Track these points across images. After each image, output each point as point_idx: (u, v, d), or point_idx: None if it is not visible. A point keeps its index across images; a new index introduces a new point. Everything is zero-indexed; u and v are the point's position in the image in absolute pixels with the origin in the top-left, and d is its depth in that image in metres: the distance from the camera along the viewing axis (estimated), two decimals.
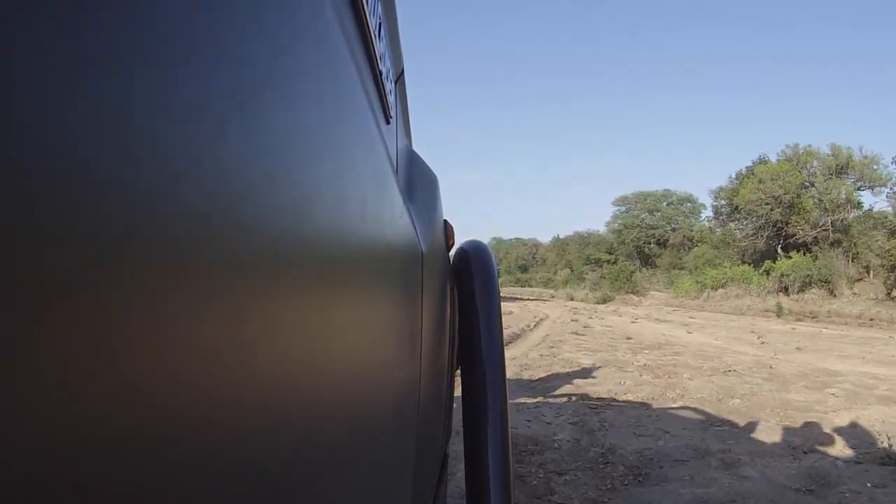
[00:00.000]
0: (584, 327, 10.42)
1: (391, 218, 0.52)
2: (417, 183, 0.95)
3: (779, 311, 15.68)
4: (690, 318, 14.47)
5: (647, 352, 6.89)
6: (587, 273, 31.84)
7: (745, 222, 24.66)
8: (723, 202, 26.49)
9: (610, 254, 34.04)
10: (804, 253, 20.24)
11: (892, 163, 19.64)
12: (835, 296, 17.20)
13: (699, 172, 57.40)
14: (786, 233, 22.65)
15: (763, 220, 23.17)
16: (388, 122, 0.62)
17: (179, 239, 0.14)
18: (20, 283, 0.09)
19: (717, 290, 21.50)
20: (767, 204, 22.64)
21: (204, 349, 0.15)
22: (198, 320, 0.15)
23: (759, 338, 8.97)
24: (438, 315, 0.92)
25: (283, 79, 0.22)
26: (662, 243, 32.87)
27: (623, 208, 35.89)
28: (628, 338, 8.57)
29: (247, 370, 0.18)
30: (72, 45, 0.11)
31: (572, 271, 34.75)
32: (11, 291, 0.09)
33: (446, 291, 1.05)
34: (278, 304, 0.21)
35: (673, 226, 33.50)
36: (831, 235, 20.96)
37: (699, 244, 28.48)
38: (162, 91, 0.13)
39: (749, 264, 22.46)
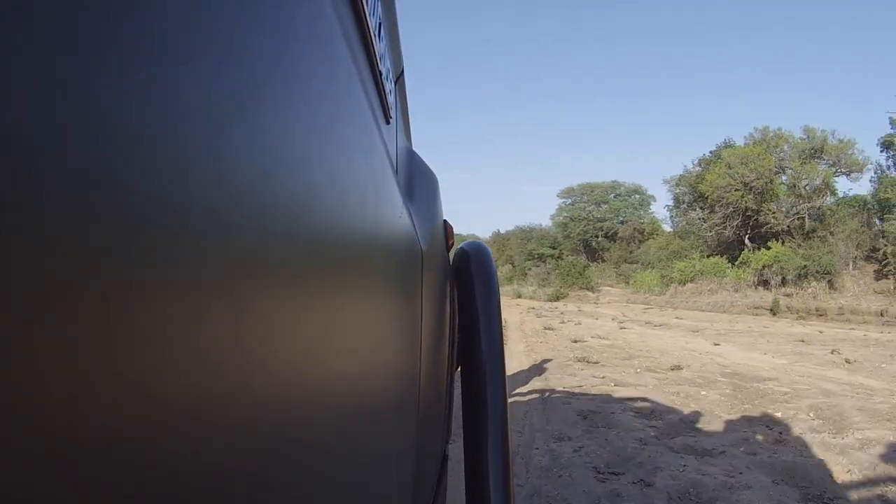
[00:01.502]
0: (575, 342, 7.64)
1: (391, 217, 0.52)
2: (417, 183, 0.95)
3: (775, 309, 13.91)
4: (678, 318, 12.55)
5: (778, 414, 3.75)
6: (530, 268, 30.26)
7: (708, 211, 22.22)
8: (684, 189, 24.16)
9: (554, 248, 31.87)
10: (783, 242, 18.27)
11: (878, 145, 17.89)
12: (835, 289, 15.10)
13: (647, 166, 54.92)
14: (756, 221, 20.52)
15: (731, 209, 20.90)
16: (387, 123, 0.62)
17: (179, 238, 0.14)
18: (20, 283, 0.09)
19: (684, 284, 19.36)
20: (738, 190, 20.41)
21: (202, 349, 0.15)
22: (197, 319, 0.15)
23: (832, 352, 6.61)
24: (438, 314, 0.92)
25: (283, 79, 0.22)
26: (611, 236, 30.81)
27: (569, 200, 33.51)
28: (675, 367, 5.58)
29: (246, 370, 0.18)
30: (71, 44, 0.11)
31: (514, 267, 32.95)
32: (11, 291, 0.09)
33: (446, 291, 1.05)
34: (278, 303, 0.21)
35: (621, 218, 31.40)
36: (807, 224, 18.97)
37: (652, 237, 26.66)
38: (161, 91, 0.13)
39: (719, 256, 20.50)
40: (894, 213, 15.08)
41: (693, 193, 23.58)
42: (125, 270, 0.12)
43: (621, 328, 10.23)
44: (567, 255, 29.53)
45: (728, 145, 22.46)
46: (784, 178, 20.45)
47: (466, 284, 1.02)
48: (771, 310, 14.13)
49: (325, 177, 0.28)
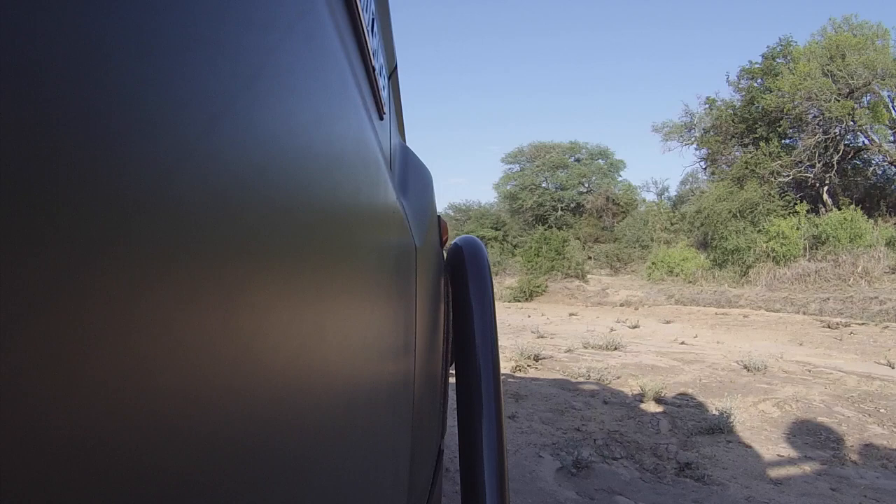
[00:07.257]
0: None
1: (385, 213, 0.52)
2: (411, 178, 0.95)
3: None
4: None
5: None
6: None
7: (776, 141, 13.19)
8: (729, 112, 15.40)
9: (497, 229, 24.44)
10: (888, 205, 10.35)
11: None
12: None
13: (609, 129, 43.11)
14: (851, 158, 11.94)
15: (826, 134, 11.94)
16: (381, 118, 0.62)
17: (170, 235, 0.14)
18: (16, 281, 0.09)
19: (783, 264, 10.90)
20: (838, 100, 11.47)
21: (195, 346, 0.15)
22: (189, 317, 0.15)
23: None
24: (432, 310, 0.92)
25: (276, 74, 0.22)
26: (574, 210, 24.25)
27: (516, 166, 26.02)
28: None
29: (240, 366, 0.18)
30: (63, 40, 0.10)
31: None
32: (8, 290, 0.09)
33: (440, 287, 1.06)
34: (271, 300, 0.21)
35: (586, 187, 24.64)
36: None
37: (631, 209, 20.79)
38: (152, 87, 0.13)
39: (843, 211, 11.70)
40: None
41: (741, 118, 14.62)
42: (115, 266, 0.12)
43: None
44: (514, 237, 23.47)
45: (786, 44, 14.14)
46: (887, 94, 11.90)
47: (460, 280, 1.02)
48: None
49: (318, 173, 0.28)
